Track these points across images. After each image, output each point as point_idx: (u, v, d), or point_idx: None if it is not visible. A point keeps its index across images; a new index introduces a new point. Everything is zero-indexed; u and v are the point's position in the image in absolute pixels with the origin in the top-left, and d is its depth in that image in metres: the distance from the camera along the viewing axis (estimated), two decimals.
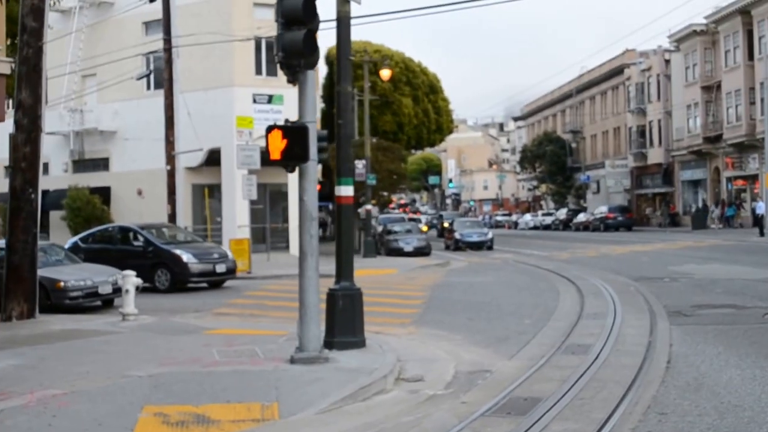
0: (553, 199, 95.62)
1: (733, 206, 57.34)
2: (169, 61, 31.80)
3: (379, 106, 59.04)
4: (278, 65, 11.56)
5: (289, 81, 11.64)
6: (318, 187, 31.11)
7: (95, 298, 17.58)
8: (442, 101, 64.77)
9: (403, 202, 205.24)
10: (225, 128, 35.80)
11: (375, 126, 59.08)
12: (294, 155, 11.17)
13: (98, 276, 17.56)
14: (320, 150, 30.05)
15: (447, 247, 44.41)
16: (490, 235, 43.39)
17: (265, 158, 31.13)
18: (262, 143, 33.77)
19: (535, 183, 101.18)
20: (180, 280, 22.44)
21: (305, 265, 11.22)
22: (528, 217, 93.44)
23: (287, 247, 37.35)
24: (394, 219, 48.29)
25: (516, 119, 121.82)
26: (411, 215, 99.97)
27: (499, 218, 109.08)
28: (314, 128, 11.48)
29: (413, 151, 78.67)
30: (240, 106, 35.95)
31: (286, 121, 11.48)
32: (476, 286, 22.26)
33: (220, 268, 22.89)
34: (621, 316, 15.36)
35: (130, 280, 15.03)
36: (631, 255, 33.27)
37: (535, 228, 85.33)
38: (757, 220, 45.32)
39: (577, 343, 12.57)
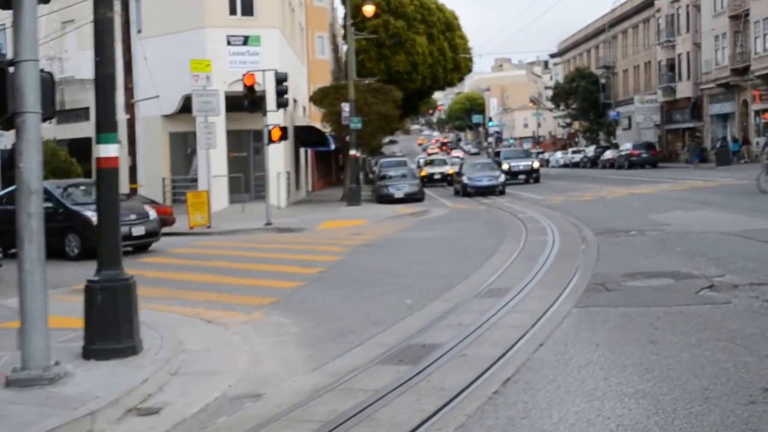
0: (584, 136, 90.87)
1: (738, 141, 52.92)
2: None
3: (391, 46, 55.28)
4: None
5: (2, 6, 8.33)
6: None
7: None
8: (460, 39, 60.53)
9: (446, 140, 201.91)
10: None
11: (388, 66, 55.47)
12: None
13: None
14: (281, 93, 26.82)
15: (456, 193, 40.57)
16: (501, 179, 38.81)
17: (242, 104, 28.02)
18: (232, 88, 30.54)
19: (568, 120, 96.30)
20: (91, 246, 19.15)
21: (23, 255, 8.02)
22: (559, 154, 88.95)
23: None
24: (393, 163, 44.61)
25: (553, 56, 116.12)
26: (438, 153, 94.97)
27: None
28: (33, 69, 8.15)
29: (436, 92, 74.58)
30: (213, 49, 32.66)
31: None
32: (412, 245, 18.92)
33: (138, 230, 19.43)
34: (527, 292, 11.97)
35: None
36: (626, 199, 29.48)
37: (565, 166, 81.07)
38: None
39: (423, 342, 9.21)
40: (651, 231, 18.57)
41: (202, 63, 27.04)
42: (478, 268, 14.70)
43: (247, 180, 35.17)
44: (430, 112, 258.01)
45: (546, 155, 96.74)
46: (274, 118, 33.14)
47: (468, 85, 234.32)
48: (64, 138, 35.37)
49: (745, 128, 55.44)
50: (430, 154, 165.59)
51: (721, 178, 37.11)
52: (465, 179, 38.66)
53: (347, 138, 37.11)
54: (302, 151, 43.73)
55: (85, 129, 36.97)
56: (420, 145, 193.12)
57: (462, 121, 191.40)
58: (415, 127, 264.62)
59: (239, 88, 33.10)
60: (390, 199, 35.74)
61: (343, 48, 65.63)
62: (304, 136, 39.24)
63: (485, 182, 38.05)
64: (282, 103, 26.35)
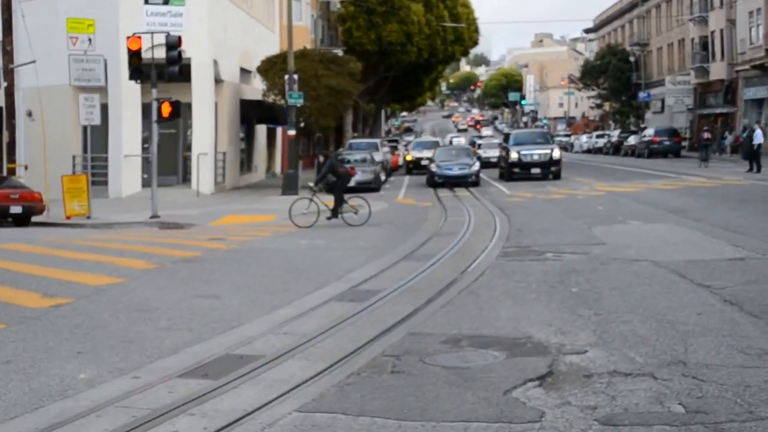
0: (613, 118, 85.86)
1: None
2: None
3: (383, 14, 51.02)
4: None
5: None
6: None
7: None
8: (463, 7, 56.07)
9: (481, 118, 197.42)
10: (109, 35, 28.77)
11: (378, 36, 51.31)
12: None
13: None
14: (172, 61, 22.98)
15: (427, 182, 36.37)
16: (475, 168, 34.56)
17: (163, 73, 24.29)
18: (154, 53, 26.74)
19: (599, 101, 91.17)
20: None
21: None
22: (584, 138, 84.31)
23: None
24: (362, 146, 40.39)
25: (588, 31, 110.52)
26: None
27: (560, 139, 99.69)
28: None
29: (447, 67, 69.85)
30: (128, 8, 28.89)
31: None
32: (249, 261, 14.86)
33: None
34: (270, 368, 8.08)
35: None
36: (598, 200, 25.30)
37: (588, 151, 76.54)
38: (753, 152, 35.35)
39: None
40: (571, 254, 14.49)
41: (82, 23, 23.25)
42: (274, 309, 10.76)
43: (175, 160, 31.51)
44: (471, 88, 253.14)
45: (571, 139, 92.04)
46: (202, 89, 29.51)
47: (508, 61, 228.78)
48: None
49: None
50: (460, 131, 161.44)
51: (729, 175, 32.69)
52: (433, 167, 34.61)
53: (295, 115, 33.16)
54: (262, 128, 39.77)
55: None
56: (455, 122, 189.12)
57: (497, 99, 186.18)
58: (455, 104, 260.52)
59: (163, 53, 29.45)
60: None
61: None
62: (255, 112, 35.31)
63: (455, 171, 33.96)
64: (172, 74, 22.52)
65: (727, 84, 59.15)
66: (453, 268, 13.50)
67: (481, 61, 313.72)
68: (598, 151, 73.32)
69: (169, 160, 31.15)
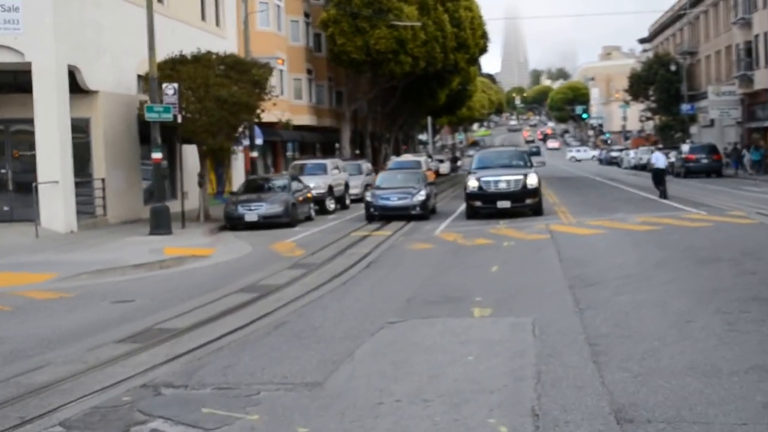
0: (659, 133, 76.26)
1: (760, 150, 44.09)
2: None
3: (370, 18, 43.43)
4: None
5: None
6: None
7: None
8: (466, 11, 47.97)
9: (549, 132, 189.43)
10: None
11: (366, 43, 43.73)
12: None
13: None
14: None
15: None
16: (421, 196, 25.75)
17: (19, 82, 17.28)
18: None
19: (648, 114, 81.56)
20: None
21: None
22: (632, 154, 74.83)
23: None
24: (311, 168, 32.69)
25: (642, 41, 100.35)
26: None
27: (614, 154, 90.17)
28: None
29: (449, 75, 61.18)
30: None
31: None
32: None
33: None
34: None
35: None
36: (520, 250, 17.31)
37: (635, 168, 67.38)
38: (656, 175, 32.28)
39: None
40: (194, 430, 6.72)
41: None
42: None
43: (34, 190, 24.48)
44: (546, 101, 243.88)
45: (622, 154, 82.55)
46: (46, 102, 22.57)
47: (578, 74, 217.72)
48: None
49: None
50: (528, 143, 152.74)
51: (737, 210, 24.16)
52: (368, 196, 26.79)
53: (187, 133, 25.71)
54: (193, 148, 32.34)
55: None
56: (525, 137, 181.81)
57: (563, 112, 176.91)
58: (535, 117, 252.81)
59: (9, 58, 22.69)
60: (240, 224, 24.59)
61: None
62: (174, 130, 27.94)
63: (393, 201, 25.95)
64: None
65: None
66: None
67: (561, 74, 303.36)
68: (643, 168, 64.21)
69: (25, 189, 24.24)
